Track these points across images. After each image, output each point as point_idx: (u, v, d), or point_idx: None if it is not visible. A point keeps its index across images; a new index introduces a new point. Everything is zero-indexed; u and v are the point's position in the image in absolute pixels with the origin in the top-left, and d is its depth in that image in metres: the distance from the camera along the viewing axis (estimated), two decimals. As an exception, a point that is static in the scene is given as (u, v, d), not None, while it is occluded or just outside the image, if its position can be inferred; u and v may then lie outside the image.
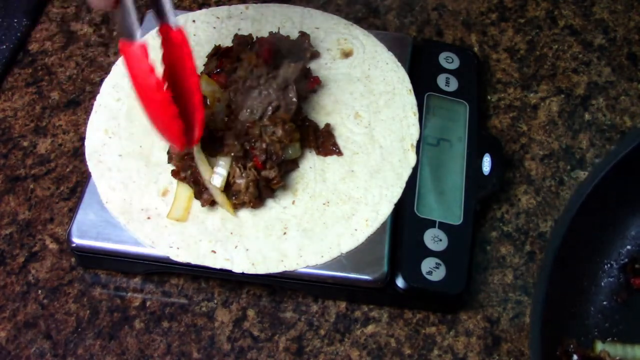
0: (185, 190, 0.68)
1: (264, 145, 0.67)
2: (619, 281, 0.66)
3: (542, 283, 0.56)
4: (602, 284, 0.66)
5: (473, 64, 0.80)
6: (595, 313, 0.65)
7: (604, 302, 0.65)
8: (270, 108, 0.69)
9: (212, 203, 0.67)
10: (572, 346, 0.60)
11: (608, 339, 0.63)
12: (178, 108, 0.58)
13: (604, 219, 0.66)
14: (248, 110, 0.69)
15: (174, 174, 0.69)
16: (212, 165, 0.67)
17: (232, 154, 0.67)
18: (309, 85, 0.75)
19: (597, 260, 0.67)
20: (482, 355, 0.66)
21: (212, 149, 0.68)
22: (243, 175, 0.66)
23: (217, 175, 0.67)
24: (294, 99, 0.70)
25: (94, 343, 0.66)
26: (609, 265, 0.67)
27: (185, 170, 0.68)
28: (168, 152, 0.70)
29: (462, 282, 0.66)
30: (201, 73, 0.74)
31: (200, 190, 0.67)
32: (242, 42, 0.75)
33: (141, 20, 0.82)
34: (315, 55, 0.78)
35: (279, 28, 0.77)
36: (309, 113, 0.74)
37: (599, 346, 0.62)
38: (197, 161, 0.67)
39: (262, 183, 0.67)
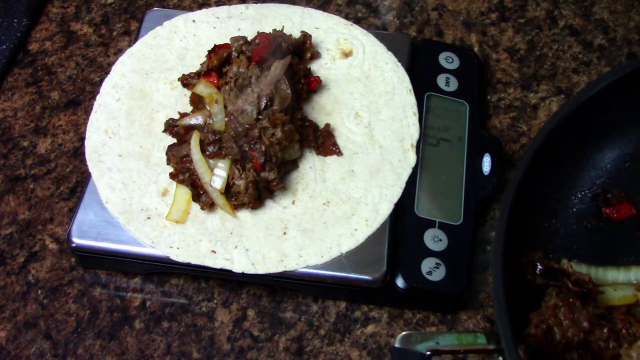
0: (184, 193, 0.68)
1: (263, 147, 0.67)
2: (591, 209, 0.68)
3: (510, 191, 0.57)
4: (574, 209, 0.68)
5: (473, 64, 0.80)
6: (564, 235, 0.67)
7: (574, 226, 0.67)
8: (264, 100, 0.69)
9: (210, 206, 0.67)
10: (537, 257, 0.61)
11: (574, 260, 0.65)
12: None
13: (578, 148, 0.67)
14: (247, 110, 0.69)
15: (172, 176, 0.69)
16: (210, 168, 0.67)
17: (231, 157, 0.67)
18: (310, 85, 0.75)
19: (570, 185, 0.69)
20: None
21: (211, 152, 0.68)
22: (242, 176, 0.66)
23: (216, 177, 0.67)
24: (288, 90, 0.69)
25: (94, 343, 0.66)
26: (582, 192, 0.69)
27: (183, 172, 0.68)
28: (166, 153, 0.70)
29: (462, 282, 0.66)
30: (198, 74, 0.74)
31: (198, 193, 0.67)
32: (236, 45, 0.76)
33: (141, 20, 0.82)
34: (315, 55, 0.78)
35: (282, 27, 0.77)
36: (309, 113, 0.74)
37: (565, 263, 0.64)
38: (197, 163, 0.67)
39: (261, 184, 0.67)
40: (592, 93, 0.62)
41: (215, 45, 0.76)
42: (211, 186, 0.67)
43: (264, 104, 0.69)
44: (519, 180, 0.57)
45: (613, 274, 0.64)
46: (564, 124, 0.61)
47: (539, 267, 0.61)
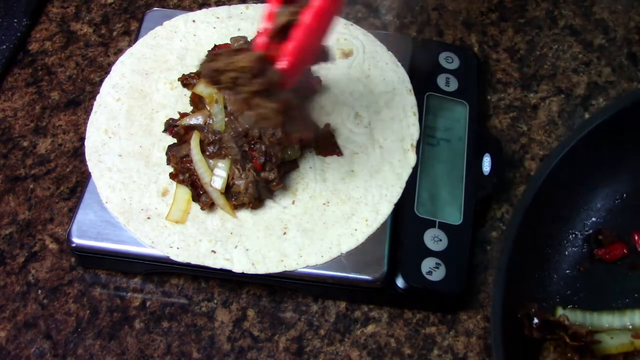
0: (184, 193, 0.68)
1: (263, 147, 0.67)
2: (583, 251, 0.68)
3: (506, 248, 0.57)
4: (566, 252, 0.68)
5: (473, 64, 0.80)
6: (558, 280, 0.66)
7: (567, 271, 0.67)
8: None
9: (210, 206, 0.67)
10: (533, 310, 0.61)
11: (569, 306, 0.65)
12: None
13: (570, 190, 0.67)
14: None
15: (172, 176, 0.69)
16: (210, 168, 0.67)
17: (231, 157, 0.67)
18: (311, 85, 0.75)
19: (562, 229, 0.68)
20: (482, 355, 0.66)
21: (211, 152, 0.68)
22: (242, 176, 0.66)
23: (217, 177, 0.67)
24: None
25: (94, 343, 0.66)
26: (573, 235, 0.69)
27: (183, 173, 0.68)
28: (166, 153, 0.70)
29: (462, 282, 0.66)
30: (198, 74, 0.74)
31: (198, 193, 0.67)
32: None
33: (141, 20, 0.82)
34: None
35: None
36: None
37: (560, 312, 0.64)
38: (197, 164, 0.67)
39: (261, 184, 0.67)
40: (584, 134, 0.63)
41: (215, 45, 0.76)
42: (211, 186, 0.67)
43: None
44: (515, 233, 0.58)
45: (608, 319, 0.64)
46: (552, 174, 0.61)
47: (535, 320, 0.60)
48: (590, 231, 0.69)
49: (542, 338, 0.60)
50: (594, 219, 0.69)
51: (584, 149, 0.63)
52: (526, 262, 0.63)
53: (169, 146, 0.71)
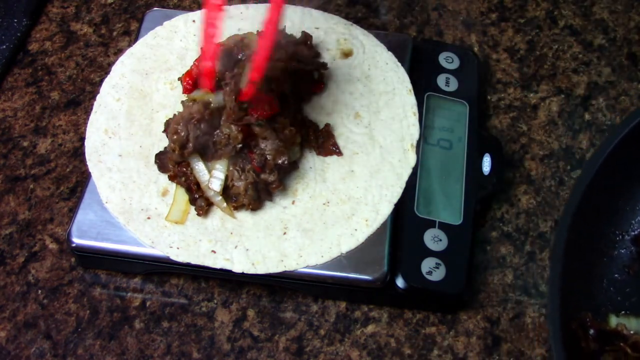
0: (184, 193, 0.68)
1: (262, 148, 0.67)
2: (631, 253, 0.65)
3: (557, 257, 0.55)
4: (614, 255, 0.65)
5: (473, 64, 0.80)
6: (607, 286, 0.63)
7: (616, 275, 0.64)
8: None
9: (206, 211, 0.67)
10: (588, 320, 0.58)
11: (622, 313, 0.62)
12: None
13: (615, 190, 0.64)
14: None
15: (171, 177, 0.69)
16: (208, 170, 0.67)
17: (228, 157, 0.67)
18: (313, 89, 0.75)
19: (608, 231, 0.65)
20: (482, 355, 0.66)
21: (207, 154, 0.68)
22: (242, 177, 0.66)
23: (215, 179, 0.67)
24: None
25: (94, 343, 0.66)
26: (620, 236, 0.66)
27: (179, 176, 0.68)
28: (155, 161, 0.70)
29: (462, 282, 0.66)
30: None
31: (194, 198, 0.67)
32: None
33: (141, 20, 0.82)
34: (315, 56, 0.78)
35: (285, 27, 0.77)
36: (309, 113, 0.74)
37: (613, 320, 0.61)
38: (194, 166, 0.67)
39: (260, 186, 0.67)
40: (627, 130, 0.60)
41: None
42: (209, 187, 0.67)
43: None
44: (565, 240, 0.55)
45: None
46: (597, 174, 0.59)
47: (591, 331, 0.57)
48: (637, 231, 0.66)
49: (599, 350, 0.58)
50: (639, 217, 0.66)
51: (627, 145, 0.61)
52: (575, 269, 0.59)
53: (157, 154, 0.70)
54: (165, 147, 0.71)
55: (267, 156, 0.67)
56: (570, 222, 0.56)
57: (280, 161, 0.67)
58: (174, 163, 0.68)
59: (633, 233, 0.66)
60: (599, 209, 0.63)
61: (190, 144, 0.66)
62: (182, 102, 0.70)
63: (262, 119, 0.66)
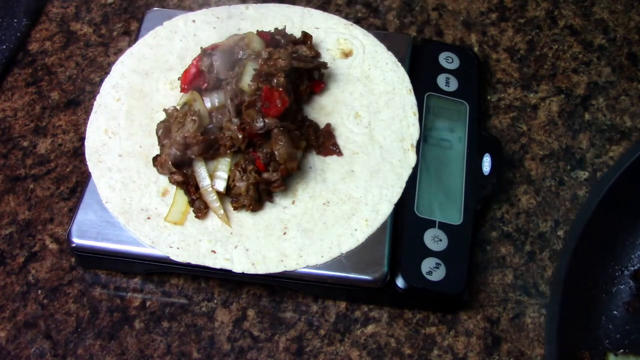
0: (184, 194, 0.68)
1: (267, 150, 0.67)
2: (630, 289, 0.64)
3: (555, 294, 0.54)
4: (613, 292, 0.64)
5: (473, 64, 0.80)
6: (606, 323, 0.63)
7: (615, 312, 0.63)
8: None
9: (205, 214, 0.67)
10: (585, 359, 0.58)
11: (620, 351, 0.61)
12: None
13: (615, 224, 0.64)
14: None
15: (172, 179, 0.69)
16: (209, 173, 0.67)
17: (230, 157, 0.67)
18: (313, 88, 0.75)
19: (608, 266, 0.65)
20: (482, 355, 0.66)
21: (209, 154, 0.68)
22: (243, 178, 0.67)
23: (219, 179, 0.67)
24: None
25: (94, 343, 0.66)
26: (619, 272, 0.65)
27: (179, 178, 0.68)
28: (154, 163, 0.70)
29: (462, 282, 0.66)
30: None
31: (192, 199, 0.67)
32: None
33: (141, 20, 0.82)
34: (315, 55, 0.78)
35: (285, 26, 0.77)
36: (309, 113, 0.74)
37: (611, 358, 0.60)
38: (197, 170, 0.67)
39: (262, 186, 0.67)
40: (627, 165, 0.60)
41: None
42: (208, 191, 0.67)
43: None
44: (564, 278, 0.55)
45: None
46: (597, 209, 0.58)
47: None
48: (637, 266, 0.65)
49: None
50: (639, 251, 0.66)
51: (626, 181, 0.60)
52: (574, 306, 0.59)
53: (154, 157, 0.70)
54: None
55: (277, 159, 0.67)
56: (571, 257, 0.56)
57: (290, 167, 0.67)
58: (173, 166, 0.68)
59: (632, 268, 0.65)
60: (599, 242, 0.62)
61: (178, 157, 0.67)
62: (164, 110, 0.71)
63: (276, 116, 0.67)
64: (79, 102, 0.82)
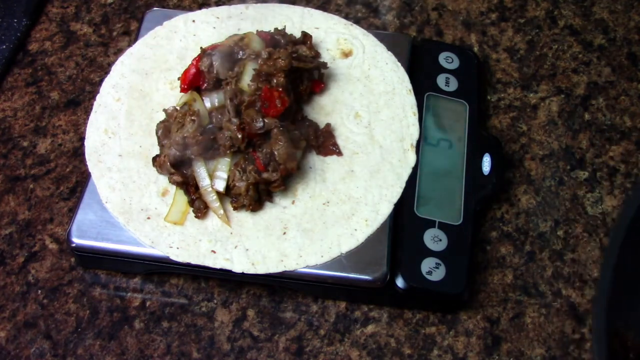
0: (184, 194, 0.68)
1: (267, 150, 0.67)
2: None
3: (607, 269, 0.52)
4: None
5: (473, 64, 0.80)
6: None
7: None
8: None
9: (205, 214, 0.67)
10: (628, 342, 0.55)
11: None
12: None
13: None
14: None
15: (171, 179, 0.69)
16: (209, 173, 0.67)
17: (230, 157, 0.67)
18: (313, 88, 0.75)
19: None
20: (482, 355, 0.66)
21: (209, 154, 0.68)
22: (243, 178, 0.67)
23: (218, 179, 0.67)
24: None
25: (93, 343, 0.66)
26: None
27: (178, 178, 0.68)
28: (154, 164, 0.70)
29: (462, 282, 0.66)
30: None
31: (192, 199, 0.67)
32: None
33: (141, 20, 0.82)
34: (315, 55, 0.78)
35: (284, 26, 0.77)
36: (309, 113, 0.74)
37: None
38: (196, 170, 0.67)
39: (261, 186, 0.67)
40: None
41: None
42: (208, 192, 0.67)
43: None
44: (617, 253, 0.53)
45: None
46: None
47: (631, 355, 0.54)
48: None
49: None
50: None
51: None
52: (623, 284, 0.56)
53: (154, 157, 0.70)
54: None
55: (277, 159, 0.67)
56: (624, 235, 0.54)
57: (290, 167, 0.67)
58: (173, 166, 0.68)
59: None
60: None
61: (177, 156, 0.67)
62: (164, 110, 0.71)
63: (276, 116, 0.67)
64: (79, 102, 0.82)
